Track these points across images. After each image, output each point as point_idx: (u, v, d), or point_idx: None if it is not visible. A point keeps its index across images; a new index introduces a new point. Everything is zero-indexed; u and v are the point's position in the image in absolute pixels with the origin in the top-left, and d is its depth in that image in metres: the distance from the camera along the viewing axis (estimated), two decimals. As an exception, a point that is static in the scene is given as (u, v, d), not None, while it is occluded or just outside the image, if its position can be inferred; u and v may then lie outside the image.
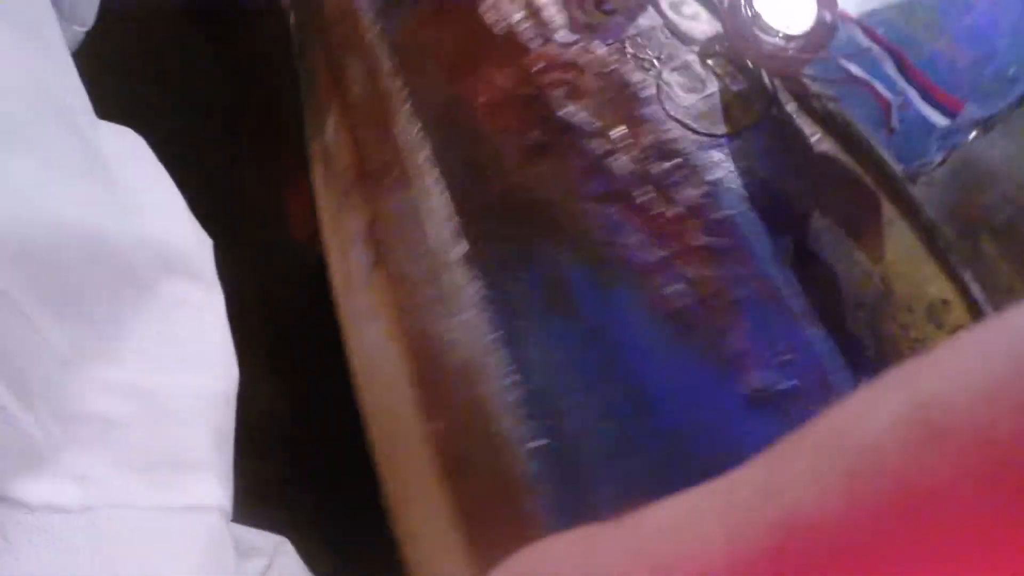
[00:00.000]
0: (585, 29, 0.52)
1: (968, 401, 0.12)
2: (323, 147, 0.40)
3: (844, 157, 0.44)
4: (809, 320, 0.30)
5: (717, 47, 0.49)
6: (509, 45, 0.36)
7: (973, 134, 0.50)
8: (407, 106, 0.36)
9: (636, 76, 0.36)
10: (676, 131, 0.35)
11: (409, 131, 0.35)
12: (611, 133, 0.34)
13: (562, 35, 0.37)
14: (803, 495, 0.14)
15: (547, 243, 0.31)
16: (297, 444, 0.45)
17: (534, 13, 0.38)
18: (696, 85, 0.47)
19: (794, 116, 0.46)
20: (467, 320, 0.30)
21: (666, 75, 0.47)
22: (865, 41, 0.45)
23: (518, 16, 0.38)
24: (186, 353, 0.28)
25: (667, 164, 0.33)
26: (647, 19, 0.52)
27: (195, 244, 0.32)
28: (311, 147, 0.41)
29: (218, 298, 0.32)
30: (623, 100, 0.34)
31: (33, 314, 0.20)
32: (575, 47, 0.36)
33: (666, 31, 0.50)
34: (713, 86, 0.47)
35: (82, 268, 0.23)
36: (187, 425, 0.26)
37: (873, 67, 0.45)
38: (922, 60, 0.47)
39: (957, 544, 0.12)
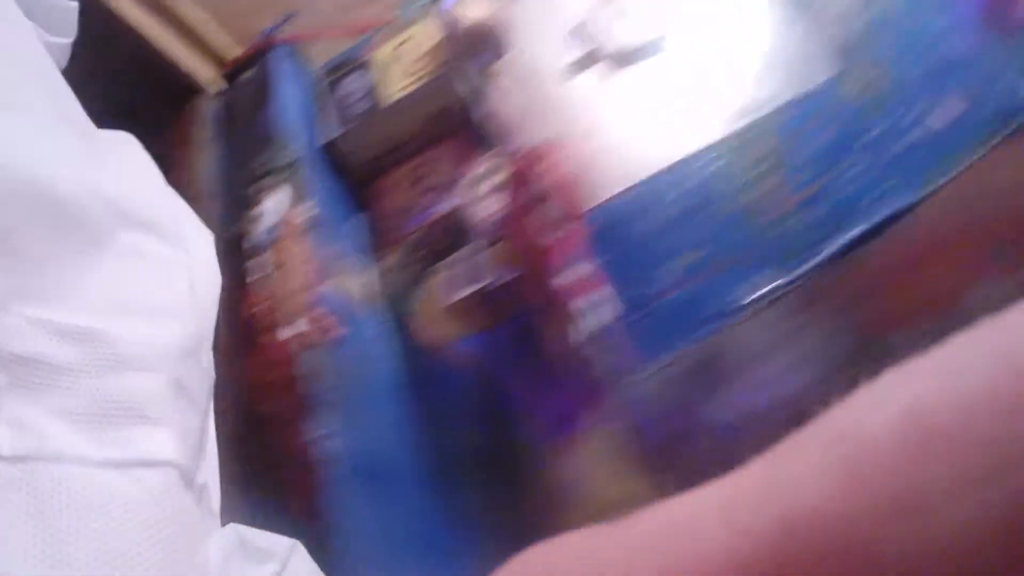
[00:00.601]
0: (399, 214, 0.59)
1: (960, 403, 0.13)
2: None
3: (576, 356, 0.50)
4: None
5: (503, 231, 0.54)
6: (260, 333, 0.46)
7: (747, 313, 0.51)
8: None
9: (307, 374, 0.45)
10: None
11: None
12: (295, 428, 0.44)
13: (283, 331, 0.46)
14: (804, 493, 0.14)
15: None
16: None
17: (279, 302, 0.46)
18: (473, 276, 0.53)
19: (540, 312, 0.51)
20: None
21: (448, 269, 0.54)
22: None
23: (265, 304, 0.47)
24: (143, 302, 0.27)
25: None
26: (453, 199, 0.57)
27: (167, 211, 0.33)
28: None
29: (186, 258, 0.32)
30: (297, 397, 0.44)
31: None
32: (290, 343, 0.45)
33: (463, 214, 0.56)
34: (489, 276, 0.53)
35: (22, 215, 0.23)
36: (140, 374, 0.25)
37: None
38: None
39: (951, 541, 0.12)
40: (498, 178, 0.55)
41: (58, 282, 0.24)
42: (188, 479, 0.26)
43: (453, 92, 0.57)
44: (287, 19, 0.63)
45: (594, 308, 0.50)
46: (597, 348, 0.49)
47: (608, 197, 0.50)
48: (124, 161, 0.34)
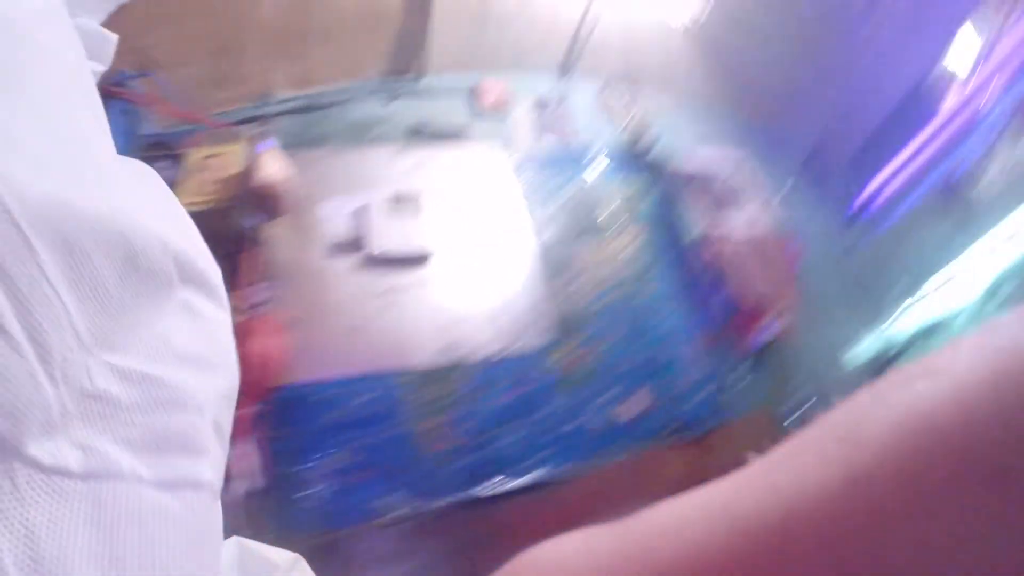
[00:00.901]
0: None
1: (960, 403, 0.13)
2: None
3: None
4: None
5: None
6: None
7: (377, 522, 0.61)
8: None
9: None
10: None
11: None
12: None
13: None
14: (806, 490, 0.14)
15: None
16: None
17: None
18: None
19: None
20: None
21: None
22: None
23: None
24: (193, 353, 0.30)
25: None
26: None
27: (208, 264, 0.34)
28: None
29: (226, 316, 0.35)
30: None
31: (65, 297, 0.22)
32: None
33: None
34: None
35: (107, 263, 0.25)
36: (190, 414, 0.28)
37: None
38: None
39: (953, 540, 0.13)
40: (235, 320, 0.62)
41: (129, 330, 0.26)
42: (216, 495, 0.29)
43: (231, 227, 0.63)
44: (141, 75, 0.67)
45: (244, 476, 0.58)
46: (240, 510, 0.58)
47: (297, 381, 0.57)
48: (167, 204, 0.35)
